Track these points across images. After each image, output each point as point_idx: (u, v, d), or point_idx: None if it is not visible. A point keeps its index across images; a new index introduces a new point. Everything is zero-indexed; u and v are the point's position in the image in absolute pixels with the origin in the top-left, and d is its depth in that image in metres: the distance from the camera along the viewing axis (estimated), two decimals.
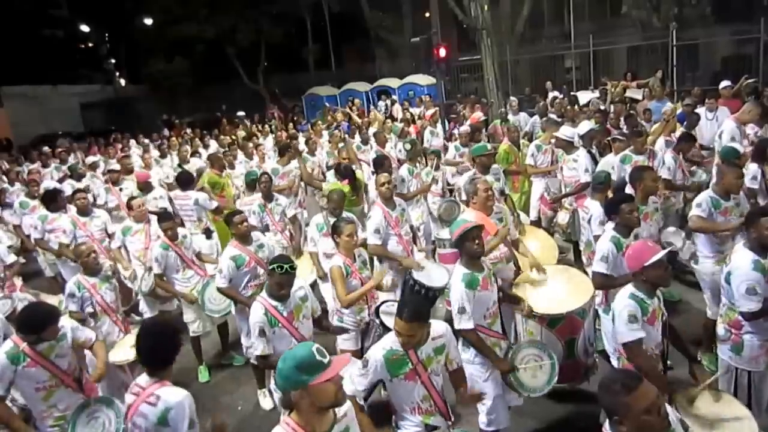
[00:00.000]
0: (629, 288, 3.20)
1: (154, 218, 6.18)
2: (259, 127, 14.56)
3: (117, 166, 8.64)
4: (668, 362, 3.45)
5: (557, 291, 4.30)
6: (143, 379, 2.92)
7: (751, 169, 5.41)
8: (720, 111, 8.02)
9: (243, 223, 4.98)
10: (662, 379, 3.16)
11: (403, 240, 5.28)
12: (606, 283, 4.01)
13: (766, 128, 6.98)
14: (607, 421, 2.14)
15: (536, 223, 7.20)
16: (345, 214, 5.56)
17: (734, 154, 5.34)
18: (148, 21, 25.00)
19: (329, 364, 2.25)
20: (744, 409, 3.00)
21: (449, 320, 3.53)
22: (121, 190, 7.98)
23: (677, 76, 13.89)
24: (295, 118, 16.36)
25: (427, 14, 20.03)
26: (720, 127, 7.06)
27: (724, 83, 9.42)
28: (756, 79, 10.26)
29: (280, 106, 21.36)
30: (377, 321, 4.29)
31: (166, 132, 16.90)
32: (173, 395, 2.83)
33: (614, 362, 3.89)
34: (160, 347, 2.94)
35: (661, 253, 3.07)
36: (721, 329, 3.67)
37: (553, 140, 7.09)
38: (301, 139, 10.28)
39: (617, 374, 2.25)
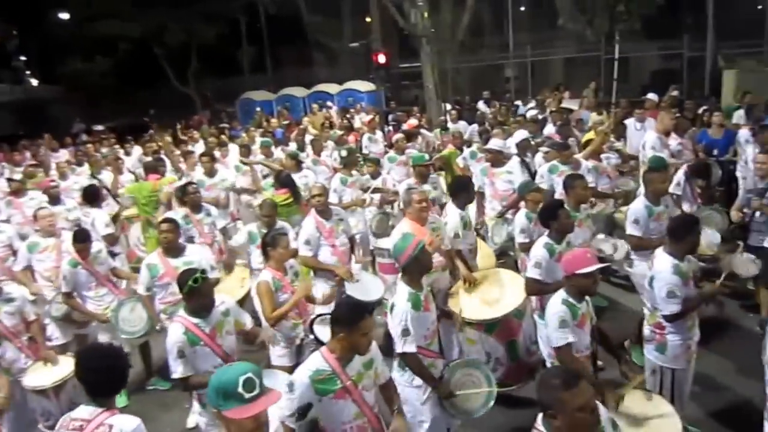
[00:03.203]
0: (561, 293, 3.34)
1: (66, 233, 5.62)
2: (189, 133, 13.76)
3: (20, 176, 7.88)
4: (599, 363, 3.61)
5: (491, 295, 4.32)
6: (84, 411, 2.61)
7: (677, 176, 5.89)
8: (648, 122, 8.48)
9: (167, 232, 4.68)
10: (592, 381, 3.21)
11: (338, 251, 5.16)
12: (539, 289, 4.14)
13: (687, 138, 7.38)
14: (541, 414, 2.20)
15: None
16: (281, 223, 5.33)
17: (660, 163, 5.59)
18: (65, 16, 23.24)
19: (254, 399, 2.09)
20: (669, 406, 3.17)
21: (387, 333, 3.46)
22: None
23: (610, 88, 14.58)
24: (225, 125, 15.60)
25: (368, 19, 20.02)
26: None
27: (649, 95, 10.06)
28: (678, 92, 10.97)
29: (213, 110, 20.52)
30: (311, 336, 4.15)
31: (84, 137, 15.68)
32: (128, 423, 2.59)
33: (549, 366, 3.98)
34: (110, 374, 2.66)
35: (594, 267, 3.22)
36: (646, 330, 3.85)
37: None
38: (234, 147, 9.78)
39: (557, 370, 2.34)
